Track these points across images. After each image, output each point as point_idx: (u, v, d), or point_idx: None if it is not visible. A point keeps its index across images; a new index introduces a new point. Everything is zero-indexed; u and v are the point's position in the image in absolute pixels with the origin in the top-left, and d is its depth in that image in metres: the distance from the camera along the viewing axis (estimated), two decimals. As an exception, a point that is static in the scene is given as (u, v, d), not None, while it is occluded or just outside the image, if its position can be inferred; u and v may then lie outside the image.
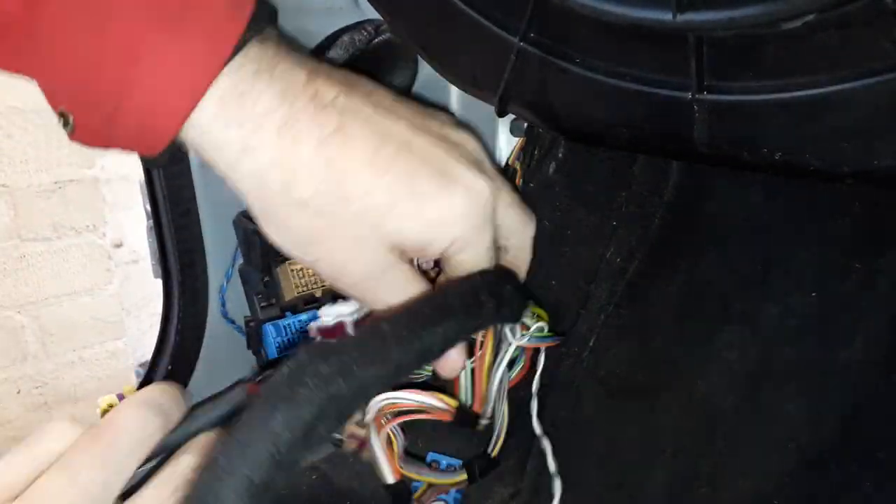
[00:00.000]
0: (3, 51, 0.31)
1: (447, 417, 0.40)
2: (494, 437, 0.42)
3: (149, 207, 0.55)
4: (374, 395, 0.36)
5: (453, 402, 0.40)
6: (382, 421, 0.40)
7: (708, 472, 0.39)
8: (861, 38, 0.24)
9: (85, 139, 0.34)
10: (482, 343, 0.42)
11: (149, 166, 0.35)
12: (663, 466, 0.41)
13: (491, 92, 0.36)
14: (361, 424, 0.40)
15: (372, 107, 0.35)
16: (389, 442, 0.40)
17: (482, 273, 0.39)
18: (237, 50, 0.32)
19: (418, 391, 0.39)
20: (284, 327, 0.52)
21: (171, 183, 0.52)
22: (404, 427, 0.41)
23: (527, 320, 0.42)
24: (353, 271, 0.37)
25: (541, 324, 0.42)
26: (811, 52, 0.25)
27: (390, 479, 0.40)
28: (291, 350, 0.52)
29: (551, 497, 0.40)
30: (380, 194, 0.33)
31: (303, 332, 0.53)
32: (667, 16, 0.26)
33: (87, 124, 0.34)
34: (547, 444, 0.41)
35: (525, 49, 0.33)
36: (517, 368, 0.43)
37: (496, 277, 0.39)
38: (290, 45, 0.35)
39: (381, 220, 0.34)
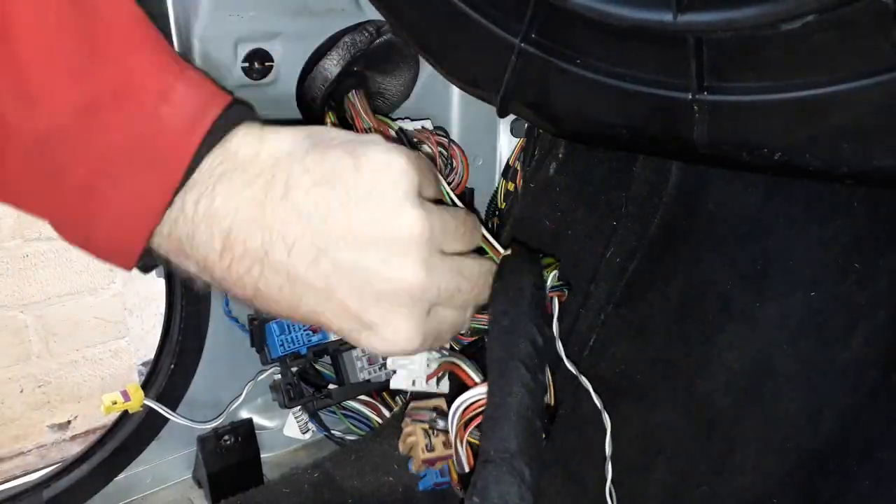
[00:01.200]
0: None
1: None
2: (550, 389, 0.42)
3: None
4: None
5: None
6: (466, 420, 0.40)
7: (707, 471, 0.39)
8: (860, 39, 0.24)
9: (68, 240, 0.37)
10: None
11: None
12: (663, 465, 0.41)
13: (492, 92, 0.36)
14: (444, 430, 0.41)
15: (288, 272, 0.35)
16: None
17: (522, 267, 0.40)
18: (184, 181, 0.33)
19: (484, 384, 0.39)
20: (288, 325, 0.52)
21: (174, 182, 0.53)
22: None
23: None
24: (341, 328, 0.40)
25: (554, 272, 0.41)
26: (811, 53, 0.25)
27: (466, 468, 0.40)
28: (293, 348, 0.53)
29: (603, 431, 0.41)
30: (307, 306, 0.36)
31: (306, 333, 0.53)
32: (667, 17, 0.26)
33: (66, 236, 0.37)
34: (586, 382, 0.41)
35: (526, 50, 0.33)
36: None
37: (520, 274, 0.40)
38: (224, 172, 0.35)
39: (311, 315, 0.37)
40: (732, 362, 0.39)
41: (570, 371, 0.44)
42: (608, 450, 0.41)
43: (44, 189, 0.34)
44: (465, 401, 0.39)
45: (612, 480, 0.42)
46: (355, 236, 0.35)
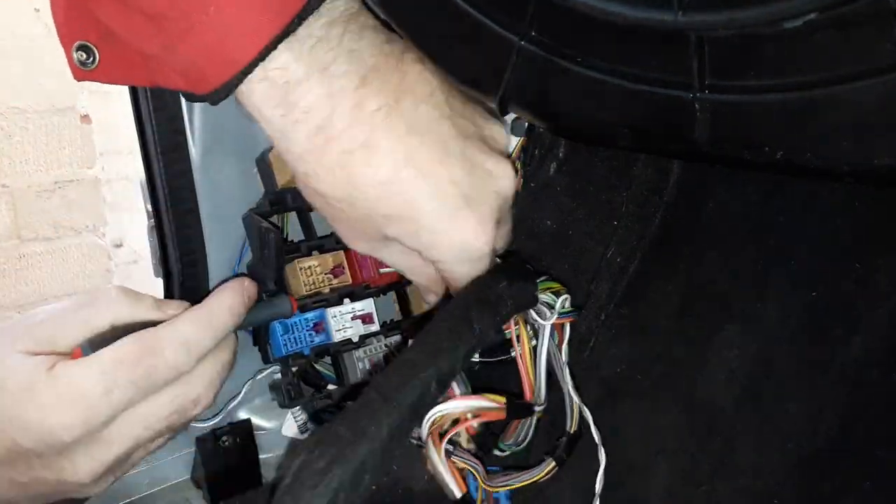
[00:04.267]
0: None
1: (501, 415, 0.40)
2: (569, 413, 0.42)
3: (150, 207, 0.55)
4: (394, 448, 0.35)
5: (501, 399, 0.40)
6: (440, 434, 0.39)
7: (708, 471, 0.39)
8: (861, 38, 0.24)
9: (112, 74, 0.34)
10: (517, 336, 0.42)
11: (193, 101, 0.35)
12: (663, 466, 0.41)
13: (492, 92, 0.36)
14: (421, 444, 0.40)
15: (407, 127, 0.35)
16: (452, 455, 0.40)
17: (492, 274, 0.40)
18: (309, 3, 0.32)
19: (465, 397, 0.40)
20: (292, 325, 0.52)
21: (173, 183, 0.53)
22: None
23: (545, 297, 0.41)
24: (356, 246, 0.43)
25: (564, 296, 0.42)
26: (812, 52, 0.25)
27: (457, 493, 0.39)
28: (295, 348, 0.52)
29: (597, 464, 0.41)
30: (382, 209, 0.36)
31: (309, 333, 0.53)
32: (668, 15, 0.26)
33: (126, 58, 0.34)
34: (588, 413, 0.41)
35: (526, 48, 0.33)
36: (555, 343, 0.43)
37: (505, 275, 0.40)
38: (360, 18, 0.35)
39: (381, 226, 0.37)
40: (733, 361, 0.39)
41: (570, 371, 0.44)
42: (598, 486, 0.40)
43: None
44: (433, 415, 0.38)
45: (613, 480, 0.42)
46: (470, 121, 0.37)
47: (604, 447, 0.41)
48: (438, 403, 0.38)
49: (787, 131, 0.28)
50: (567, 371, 0.42)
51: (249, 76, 0.33)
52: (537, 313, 0.41)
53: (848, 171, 0.27)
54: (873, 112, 0.25)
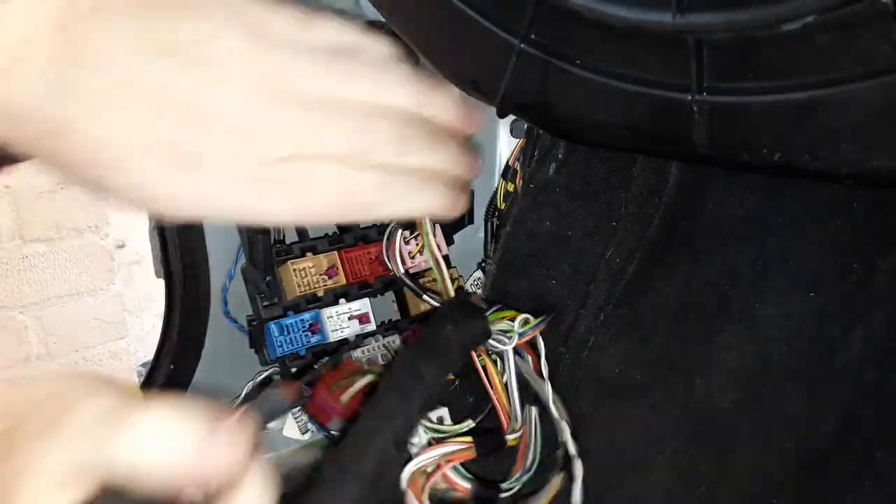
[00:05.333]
0: None
1: (472, 455, 0.41)
2: (559, 426, 0.42)
3: (151, 208, 0.55)
4: None
5: (468, 439, 0.41)
6: (420, 483, 0.40)
7: (707, 471, 0.39)
8: (860, 40, 0.24)
9: None
10: (484, 368, 0.42)
11: None
12: (663, 466, 0.41)
13: (492, 93, 0.36)
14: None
15: (101, 93, 0.29)
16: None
17: (436, 320, 0.40)
18: None
19: (433, 447, 0.41)
20: (287, 326, 0.52)
21: (174, 183, 0.53)
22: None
23: (501, 325, 0.42)
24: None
25: (523, 316, 0.42)
26: (811, 54, 0.25)
27: None
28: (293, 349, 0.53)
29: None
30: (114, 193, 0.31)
31: (305, 334, 0.53)
32: (667, 18, 0.26)
33: None
34: (566, 428, 0.42)
35: (526, 50, 0.33)
36: (530, 363, 0.44)
37: (449, 317, 0.40)
38: None
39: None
40: (732, 362, 0.39)
41: (569, 374, 0.44)
42: (577, 498, 0.40)
43: None
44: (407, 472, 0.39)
45: (612, 481, 0.42)
46: (172, 54, 0.30)
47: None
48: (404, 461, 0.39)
49: (785, 133, 0.28)
50: (548, 386, 0.42)
51: None
52: (497, 342, 0.42)
53: (847, 173, 0.27)
54: (872, 114, 0.25)
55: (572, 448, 0.41)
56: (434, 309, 0.43)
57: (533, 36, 0.32)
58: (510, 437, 0.42)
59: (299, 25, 0.32)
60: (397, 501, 0.41)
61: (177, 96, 0.30)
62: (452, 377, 0.46)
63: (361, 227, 0.56)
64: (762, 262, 0.39)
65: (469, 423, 0.44)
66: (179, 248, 0.54)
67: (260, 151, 0.30)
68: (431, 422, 0.44)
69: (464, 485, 0.41)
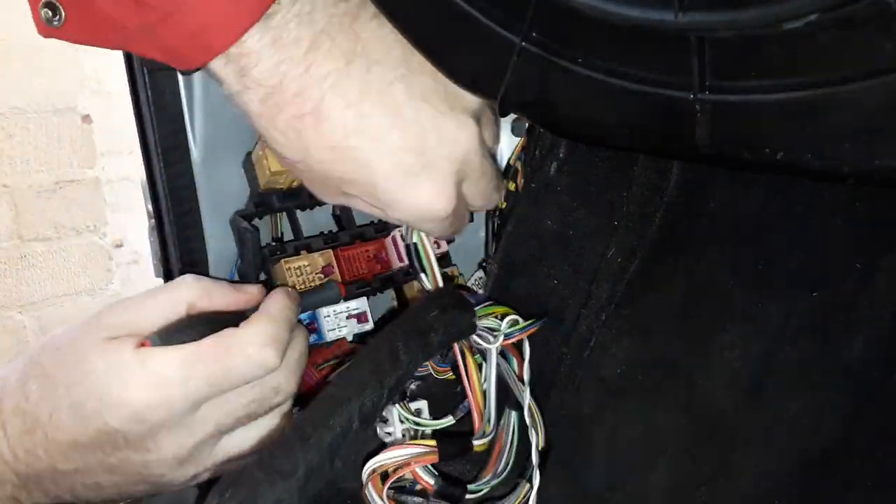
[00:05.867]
0: None
1: (434, 459, 0.40)
2: (534, 432, 0.42)
3: (150, 207, 0.55)
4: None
5: (431, 442, 0.41)
6: (380, 483, 0.40)
7: (709, 471, 0.39)
8: (862, 39, 0.24)
9: (80, 34, 0.34)
10: (464, 364, 0.42)
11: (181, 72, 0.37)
12: (664, 466, 0.41)
13: (492, 92, 0.36)
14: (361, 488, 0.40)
15: (358, 91, 0.34)
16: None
17: (424, 304, 0.40)
18: None
19: (396, 447, 0.41)
20: (286, 327, 0.52)
21: (173, 183, 0.53)
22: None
23: (488, 322, 0.42)
24: (325, 199, 0.43)
25: (512, 317, 0.42)
26: (813, 53, 0.25)
27: None
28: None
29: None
30: (337, 172, 0.36)
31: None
32: (669, 16, 0.26)
33: (97, 22, 0.33)
34: (534, 436, 0.41)
35: (527, 49, 0.33)
36: (514, 365, 0.43)
37: (436, 303, 0.40)
38: None
39: (340, 185, 0.37)
40: (734, 362, 0.39)
41: (570, 374, 0.44)
42: None
43: None
44: (369, 468, 0.39)
45: (613, 481, 0.42)
46: (431, 78, 0.36)
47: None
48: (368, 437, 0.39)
49: (787, 132, 0.28)
50: (528, 391, 0.42)
51: None
52: (481, 339, 0.41)
53: (849, 172, 0.27)
54: (874, 113, 0.25)
55: (535, 458, 0.41)
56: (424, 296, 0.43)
57: (534, 34, 0.32)
58: (477, 443, 0.42)
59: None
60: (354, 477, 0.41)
61: (423, 113, 0.35)
62: (449, 369, 0.46)
63: (358, 224, 0.55)
64: (764, 261, 0.39)
65: (449, 420, 0.43)
66: (179, 248, 0.54)
67: (459, 179, 0.38)
68: (410, 412, 0.43)
69: (428, 480, 0.40)
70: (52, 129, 1.60)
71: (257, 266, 0.51)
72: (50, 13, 0.34)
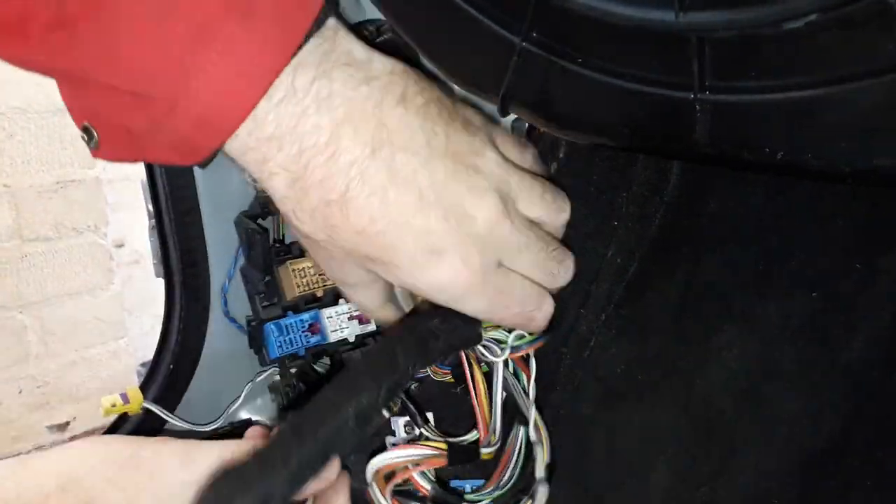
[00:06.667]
0: (50, 45, 0.30)
1: (443, 462, 0.40)
2: (540, 448, 0.42)
3: (151, 207, 0.55)
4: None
5: (443, 445, 0.40)
6: (384, 480, 0.40)
7: (708, 471, 0.39)
8: (862, 39, 0.24)
9: (111, 154, 0.35)
10: (471, 374, 0.42)
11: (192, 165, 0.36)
12: (664, 466, 0.41)
13: (493, 92, 0.36)
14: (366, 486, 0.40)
15: (383, 179, 0.35)
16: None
17: (428, 311, 0.40)
18: (303, 43, 0.32)
19: (406, 446, 0.41)
20: (286, 327, 0.52)
21: (174, 183, 0.53)
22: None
23: (495, 334, 0.42)
24: (338, 280, 0.43)
25: (517, 331, 0.42)
26: (813, 53, 0.25)
27: None
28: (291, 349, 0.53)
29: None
30: (362, 252, 0.37)
31: (304, 334, 0.53)
32: (669, 16, 0.26)
33: (117, 137, 0.34)
34: (539, 452, 0.42)
35: (527, 49, 0.33)
36: (524, 381, 0.43)
37: (440, 312, 0.39)
38: (332, 55, 0.34)
39: (363, 263, 0.38)
40: (733, 362, 0.39)
41: (569, 375, 0.44)
42: None
43: (140, 35, 0.30)
44: (375, 465, 0.39)
45: (612, 481, 0.42)
46: (452, 160, 0.36)
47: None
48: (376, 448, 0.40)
49: (787, 132, 0.28)
50: (534, 408, 0.42)
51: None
52: (487, 350, 0.42)
53: (849, 172, 0.27)
54: (874, 113, 0.25)
55: (540, 471, 0.41)
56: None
57: (534, 34, 0.32)
58: (484, 451, 0.42)
59: (519, 149, 0.40)
60: (357, 480, 0.41)
61: (445, 195, 0.36)
62: (449, 372, 0.46)
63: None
64: (764, 261, 0.39)
65: (473, 435, 0.43)
66: (179, 248, 0.54)
67: (489, 256, 0.37)
68: (435, 432, 0.44)
69: (425, 486, 0.40)
70: (52, 129, 1.61)
71: (265, 268, 0.51)
72: (86, 137, 0.35)
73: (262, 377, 0.57)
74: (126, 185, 1.70)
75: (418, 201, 0.35)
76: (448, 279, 0.36)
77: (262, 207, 0.53)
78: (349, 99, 0.34)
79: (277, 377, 0.54)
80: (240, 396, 0.56)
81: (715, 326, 0.40)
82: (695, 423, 0.40)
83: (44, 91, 1.56)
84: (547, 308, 0.41)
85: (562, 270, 0.41)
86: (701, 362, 0.40)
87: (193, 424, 0.55)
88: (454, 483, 0.44)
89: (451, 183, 0.36)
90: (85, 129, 0.35)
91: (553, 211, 0.40)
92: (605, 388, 0.44)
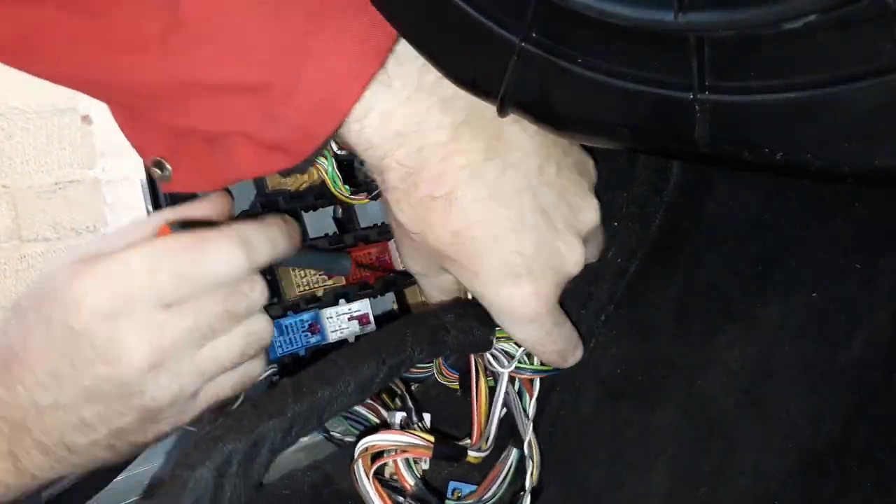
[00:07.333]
0: (168, 51, 0.31)
1: (427, 454, 0.40)
2: (530, 467, 0.42)
3: (150, 208, 0.55)
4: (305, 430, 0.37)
5: (430, 437, 0.41)
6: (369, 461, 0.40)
7: (708, 472, 0.39)
8: (862, 38, 0.24)
9: (188, 181, 0.37)
10: (476, 381, 0.43)
11: (292, 173, 0.37)
12: (664, 466, 0.41)
13: (492, 93, 0.36)
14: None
15: (490, 190, 0.35)
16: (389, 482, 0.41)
17: (444, 308, 0.41)
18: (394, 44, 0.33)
19: (395, 431, 0.41)
20: (286, 326, 0.52)
21: (173, 183, 0.53)
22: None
23: (506, 346, 0.42)
24: (410, 266, 0.44)
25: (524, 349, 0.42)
26: (812, 53, 0.25)
27: None
28: (292, 349, 0.52)
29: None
30: (449, 252, 0.37)
31: (304, 334, 0.53)
32: (668, 16, 0.26)
33: (195, 162, 0.35)
34: (530, 465, 0.42)
35: (527, 49, 0.33)
36: (525, 398, 0.43)
37: (456, 309, 0.40)
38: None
39: (443, 262, 0.39)
40: (733, 363, 0.39)
41: (570, 375, 0.44)
42: None
43: (244, 45, 0.31)
44: (363, 444, 0.39)
45: (613, 481, 0.42)
46: (558, 194, 0.37)
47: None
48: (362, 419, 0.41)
49: (787, 132, 0.28)
50: (531, 428, 0.42)
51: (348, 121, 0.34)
52: (494, 360, 0.42)
53: (849, 172, 0.27)
54: (874, 113, 0.25)
55: (528, 483, 0.42)
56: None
57: (534, 34, 0.32)
58: (472, 454, 0.42)
59: (581, 173, 0.40)
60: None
61: (543, 224, 0.36)
62: (457, 376, 0.46)
63: (362, 227, 0.55)
64: (764, 261, 0.39)
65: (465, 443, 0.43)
66: (178, 248, 0.54)
67: (560, 293, 0.38)
68: (424, 426, 0.44)
69: (409, 480, 0.40)
70: (52, 130, 1.60)
71: (266, 267, 0.51)
72: (158, 171, 0.37)
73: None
74: (125, 185, 1.69)
75: (518, 221, 0.36)
76: (519, 304, 0.37)
77: (263, 207, 0.53)
78: (471, 104, 0.35)
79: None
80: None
81: (715, 326, 0.40)
82: (695, 424, 0.40)
83: (44, 92, 1.56)
84: (578, 353, 0.42)
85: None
86: (701, 362, 0.40)
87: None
88: (454, 484, 0.44)
89: (550, 216, 0.37)
90: (156, 164, 0.37)
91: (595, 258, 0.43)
92: (605, 388, 0.44)
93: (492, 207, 0.36)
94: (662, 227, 0.43)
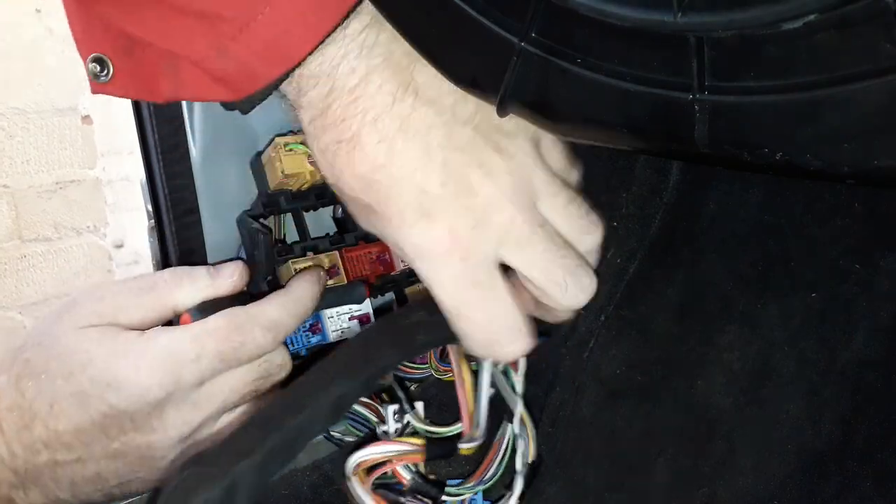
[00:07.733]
0: None
1: (419, 458, 0.41)
2: (525, 444, 0.42)
3: (150, 208, 0.55)
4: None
5: (420, 441, 0.40)
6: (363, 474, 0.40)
7: (708, 472, 0.39)
8: (862, 38, 0.24)
9: (124, 87, 0.35)
10: (458, 369, 0.42)
11: (234, 109, 0.36)
12: (664, 467, 0.41)
13: (491, 93, 0.36)
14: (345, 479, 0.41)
15: (397, 127, 0.34)
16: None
17: (416, 304, 0.40)
18: None
19: (383, 443, 0.41)
20: (286, 327, 0.52)
21: (173, 183, 0.53)
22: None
23: None
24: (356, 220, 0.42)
25: None
26: (812, 53, 0.25)
27: None
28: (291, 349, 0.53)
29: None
30: (363, 201, 0.36)
31: (305, 334, 0.53)
32: (667, 17, 0.26)
33: (142, 69, 0.34)
34: (521, 446, 0.42)
35: (526, 50, 0.33)
36: (511, 376, 0.43)
37: (426, 306, 0.38)
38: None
39: (363, 214, 0.38)
40: (733, 363, 0.39)
41: (570, 375, 0.44)
42: None
43: None
44: (355, 461, 0.40)
45: (612, 481, 0.42)
46: (475, 131, 0.36)
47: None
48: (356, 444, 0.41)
49: (786, 132, 0.27)
50: (520, 402, 0.42)
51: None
52: None
53: (848, 173, 0.27)
54: (874, 113, 0.25)
55: (519, 463, 0.42)
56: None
57: (534, 35, 0.32)
58: (463, 447, 0.41)
59: (565, 161, 0.39)
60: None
61: (453, 160, 0.35)
62: (451, 369, 0.45)
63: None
64: (763, 262, 0.39)
65: (458, 428, 0.43)
66: (179, 248, 0.54)
67: (481, 239, 0.35)
68: (420, 420, 0.43)
69: (406, 477, 0.40)
70: (52, 130, 1.60)
71: (268, 266, 0.51)
72: (98, 67, 0.35)
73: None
74: (125, 185, 1.70)
75: (423, 157, 0.35)
76: (429, 243, 0.35)
77: (264, 207, 0.53)
78: (390, 51, 0.34)
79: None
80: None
81: (715, 327, 0.40)
82: (695, 424, 0.40)
83: (44, 92, 1.56)
84: (518, 346, 0.37)
85: (571, 283, 0.36)
86: (701, 363, 0.40)
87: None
88: (452, 482, 0.44)
89: (465, 151, 0.35)
90: (96, 60, 0.35)
91: (578, 228, 0.37)
92: (605, 388, 0.44)
93: (397, 147, 0.34)
94: (662, 228, 0.43)
